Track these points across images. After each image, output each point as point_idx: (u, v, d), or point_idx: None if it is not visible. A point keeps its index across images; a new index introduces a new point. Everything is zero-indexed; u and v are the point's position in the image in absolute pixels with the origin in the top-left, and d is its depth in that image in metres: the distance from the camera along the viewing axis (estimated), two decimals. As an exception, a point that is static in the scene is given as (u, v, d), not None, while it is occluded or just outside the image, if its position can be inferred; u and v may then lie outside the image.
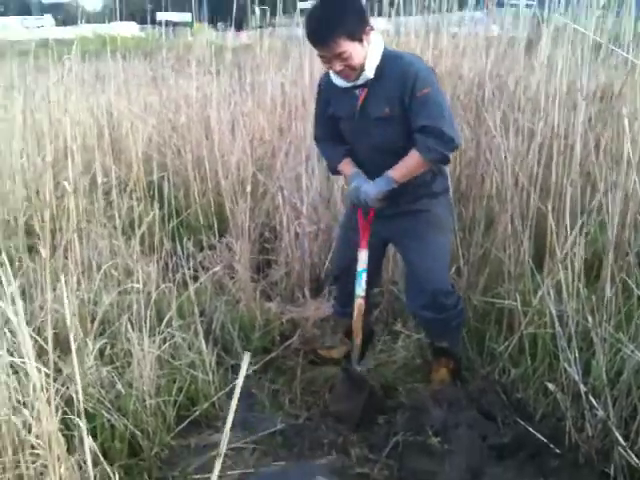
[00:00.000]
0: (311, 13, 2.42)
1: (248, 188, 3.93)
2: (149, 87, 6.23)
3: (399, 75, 2.40)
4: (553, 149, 2.82)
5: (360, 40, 2.36)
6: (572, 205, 2.55)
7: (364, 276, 2.61)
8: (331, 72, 2.49)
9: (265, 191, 4.20)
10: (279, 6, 5.31)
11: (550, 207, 2.53)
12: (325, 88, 2.64)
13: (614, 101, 2.46)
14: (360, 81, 2.44)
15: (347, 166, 2.64)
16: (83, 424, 1.78)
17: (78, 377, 1.81)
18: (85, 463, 2.06)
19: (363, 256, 2.60)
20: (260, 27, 6.26)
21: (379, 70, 2.43)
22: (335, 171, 2.77)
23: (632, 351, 2.10)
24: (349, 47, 2.34)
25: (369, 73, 2.42)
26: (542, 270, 2.71)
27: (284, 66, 5.44)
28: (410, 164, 2.46)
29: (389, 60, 2.44)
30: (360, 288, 2.62)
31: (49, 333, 1.92)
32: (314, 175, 3.76)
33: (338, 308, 2.99)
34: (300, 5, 7.35)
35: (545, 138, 2.92)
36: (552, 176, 2.83)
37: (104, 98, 5.92)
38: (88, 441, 1.80)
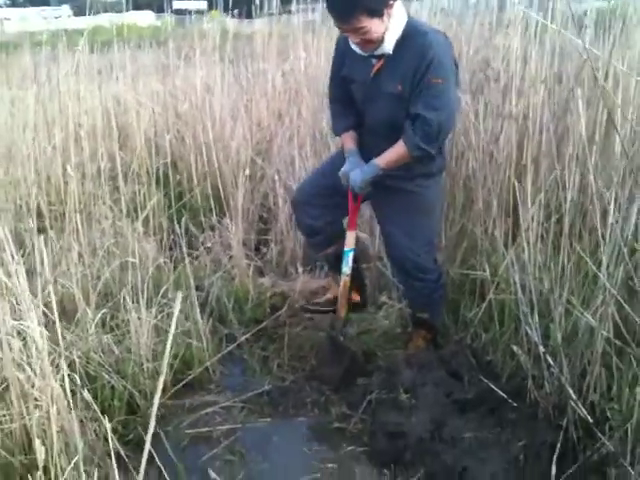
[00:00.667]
0: None
1: (247, 172, 4.15)
2: (157, 76, 6.44)
3: (417, 54, 2.33)
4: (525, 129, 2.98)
5: (381, 15, 2.29)
6: (538, 182, 2.73)
7: (351, 255, 2.72)
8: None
9: (263, 175, 4.40)
10: None
11: (517, 184, 2.69)
12: (342, 48, 2.57)
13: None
14: (377, 52, 2.41)
15: (348, 140, 2.66)
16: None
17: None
18: (86, 418, 2.33)
19: (351, 237, 2.71)
20: (271, 14, 6.38)
21: (398, 45, 2.38)
22: (338, 133, 2.77)
23: (582, 313, 2.27)
24: (368, 23, 2.28)
25: (388, 47, 2.38)
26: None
27: (285, 54, 5.63)
28: (397, 154, 2.48)
29: (411, 35, 2.37)
30: (347, 267, 2.74)
31: (52, 300, 2.10)
32: (307, 159, 3.96)
33: (308, 240, 3.07)
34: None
35: (519, 119, 3.08)
36: (524, 155, 2.99)
37: (113, 87, 6.13)
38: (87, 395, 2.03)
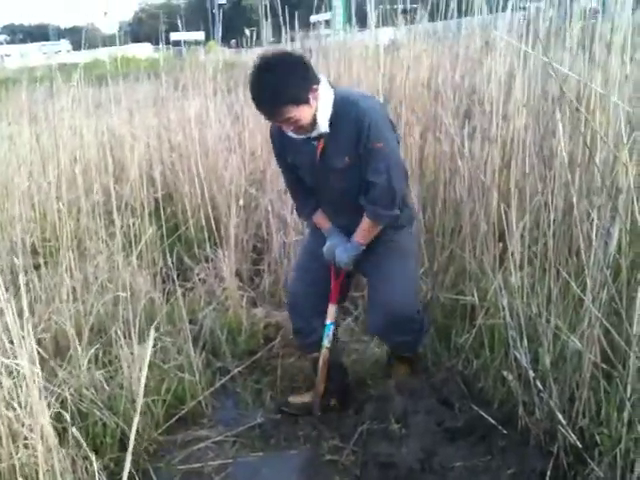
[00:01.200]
0: (253, 82, 2.27)
1: (240, 202, 4.19)
2: (153, 109, 6.52)
3: (353, 125, 2.35)
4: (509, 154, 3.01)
5: (307, 102, 2.29)
6: (523, 205, 2.74)
7: (332, 329, 2.71)
8: None
9: (257, 205, 4.43)
10: (297, 21, 5.46)
11: (504, 208, 2.71)
12: (279, 139, 2.54)
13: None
14: (314, 134, 2.40)
15: (322, 220, 2.69)
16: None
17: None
18: (77, 456, 2.33)
19: (332, 310, 2.70)
20: (271, 42, 6.47)
21: (333, 121, 2.38)
22: (305, 218, 2.86)
23: (568, 337, 2.27)
24: (295, 112, 2.27)
25: (323, 127, 2.37)
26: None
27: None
28: (368, 229, 2.55)
29: (342, 108, 2.37)
30: (327, 340, 2.71)
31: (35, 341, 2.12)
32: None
33: (302, 341, 2.87)
34: (312, 18, 7.59)
35: (504, 143, 3.11)
36: (511, 178, 3.02)
37: (109, 121, 6.20)
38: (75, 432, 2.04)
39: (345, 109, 2.37)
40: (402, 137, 3.50)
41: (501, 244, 2.97)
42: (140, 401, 1.74)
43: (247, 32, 5.44)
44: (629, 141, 2.11)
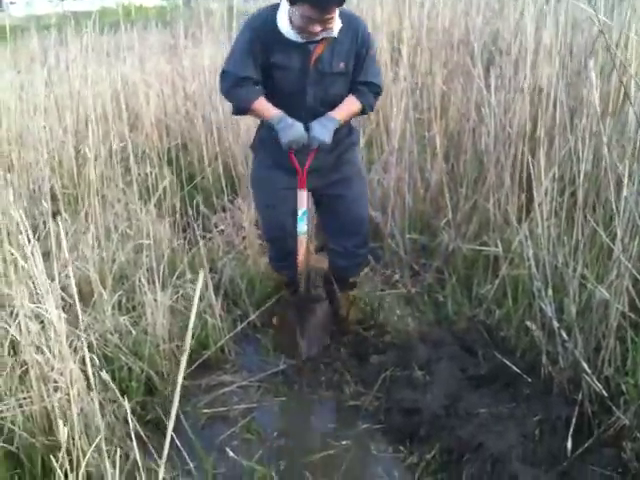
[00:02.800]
0: None
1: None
2: (164, 56, 6.42)
3: (353, 33, 2.54)
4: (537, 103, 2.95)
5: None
6: (552, 155, 2.70)
7: (307, 215, 2.76)
8: (283, 24, 2.47)
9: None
10: None
11: (530, 159, 2.67)
12: (264, 35, 2.50)
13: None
14: (324, 36, 2.48)
15: (267, 105, 2.59)
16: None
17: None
18: (105, 400, 2.37)
19: (304, 196, 2.71)
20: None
21: (339, 28, 2.51)
22: (245, 110, 2.65)
23: (596, 287, 2.26)
24: (336, 12, 2.42)
25: (334, 32, 2.49)
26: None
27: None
28: (351, 110, 2.64)
29: (346, 17, 2.54)
30: (305, 226, 2.75)
31: (61, 285, 2.12)
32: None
33: (276, 263, 3.04)
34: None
35: (532, 92, 3.04)
36: (538, 129, 2.97)
37: (122, 69, 6.12)
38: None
39: (348, 19, 2.55)
40: (425, 84, 3.46)
41: (526, 195, 2.95)
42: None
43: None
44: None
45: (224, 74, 2.60)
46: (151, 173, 3.94)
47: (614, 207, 2.24)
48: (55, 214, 3.73)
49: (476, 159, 3.24)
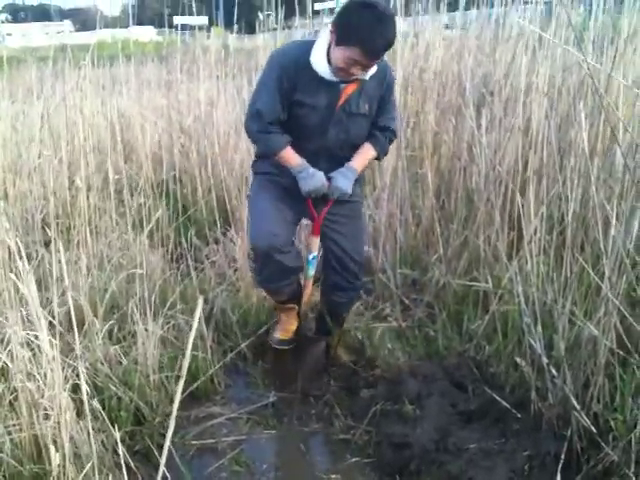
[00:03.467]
0: (381, 31, 2.30)
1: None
2: (161, 90, 6.51)
3: (381, 76, 2.56)
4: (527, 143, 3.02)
5: None
6: (540, 194, 2.76)
7: (316, 261, 2.81)
8: (319, 61, 2.45)
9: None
10: (297, 8, 5.46)
11: (519, 198, 2.73)
12: (294, 73, 2.48)
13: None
14: (360, 77, 2.47)
15: (292, 154, 2.61)
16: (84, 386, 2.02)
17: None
18: (94, 429, 2.35)
19: (315, 242, 2.77)
20: (274, 29, 6.45)
21: None
22: (269, 155, 2.67)
23: (584, 324, 2.29)
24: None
25: (370, 74, 2.49)
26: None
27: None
28: (368, 158, 2.70)
29: None
30: (313, 270, 2.82)
31: (56, 312, 2.13)
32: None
33: (271, 285, 2.88)
34: (317, 6, 7.55)
35: (521, 133, 3.12)
36: (528, 169, 3.04)
37: (118, 102, 6.19)
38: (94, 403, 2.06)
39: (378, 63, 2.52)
40: (417, 123, 3.53)
41: (515, 232, 3.00)
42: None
43: (261, 16, 5.42)
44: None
45: (256, 114, 2.55)
46: (145, 204, 3.97)
47: (602, 246, 2.29)
48: (48, 243, 3.75)
49: (467, 197, 3.30)
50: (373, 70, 2.49)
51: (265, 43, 6.44)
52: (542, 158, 2.91)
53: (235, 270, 3.69)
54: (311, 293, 2.91)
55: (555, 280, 2.49)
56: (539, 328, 2.42)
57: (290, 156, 2.61)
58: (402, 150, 3.45)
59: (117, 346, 2.79)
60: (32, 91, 5.60)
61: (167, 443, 1.42)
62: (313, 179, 2.58)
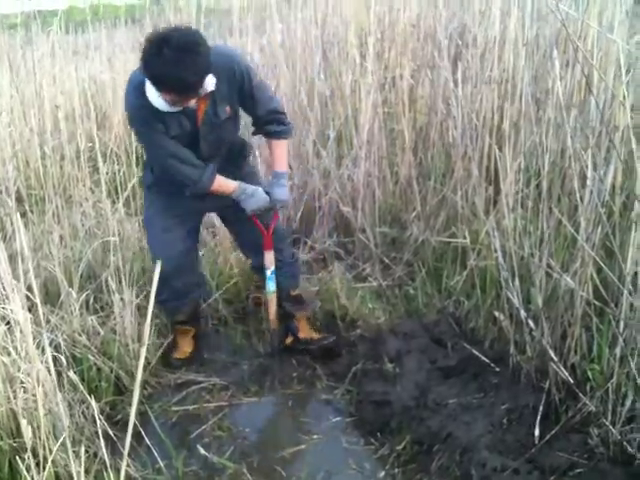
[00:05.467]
0: (184, 68, 2.10)
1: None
2: (134, 54, 6.36)
3: (229, 73, 2.37)
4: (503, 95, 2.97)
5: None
6: (518, 147, 2.72)
7: (274, 276, 2.75)
8: (157, 101, 2.28)
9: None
10: None
11: (497, 151, 2.69)
12: (151, 114, 2.33)
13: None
14: (201, 93, 2.32)
15: (225, 180, 2.56)
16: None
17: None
18: (73, 400, 2.34)
19: (271, 257, 2.72)
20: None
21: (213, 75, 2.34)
22: (210, 183, 2.52)
23: (561, 276, 2.29)
24: (204, 80, 2.26)
25: (210, 86, 2.32)
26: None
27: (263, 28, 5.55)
28: (285, 151, 2.66)
29: (217, 61, 2.28)
30: (274, 286, 2.76)
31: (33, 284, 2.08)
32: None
33: (171, 303, 2.81)
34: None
35: (497, 84, 3.07)
36: (505, 121, 2.99)
37: (90, 68, 6.05)
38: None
39: (220, 62, 2.31)
40: (393, 79, 3.47)
41: (493, 187, 2.97)
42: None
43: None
44: (627, 79, 2.09)
45: (168, 164, 2.46)
46: (119, 171, 3.90)
47: (578, 197, 2.27)
48: (22, 215, 3.68)
49: (444, 152, 3.26)
50: (211, 81, 2.31)
51: (242, 3, 6.29)
52: (519, 110, 2.86)
53: (214, 235, 3.65)
54: (276, 310, 2.81)
55: (532, 233, 2.48)
56: (517, 282, 2.41)
57: (222, 184, 2.56)
58: (378, 107, 3.39)
59: (94, 316, 2.77)
60: (1, 59, 5.47)
61: (134, 408, 1.40)
62: (254, 198, 2.58)
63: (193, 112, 2.39)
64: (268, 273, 2.73)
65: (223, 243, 3.52)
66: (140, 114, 2.36)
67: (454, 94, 3.05)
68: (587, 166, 2.25)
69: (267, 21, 5.37)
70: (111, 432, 2.18)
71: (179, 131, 2.40)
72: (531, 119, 2.67)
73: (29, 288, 2.73)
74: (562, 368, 2.23)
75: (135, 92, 2.32)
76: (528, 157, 2.68)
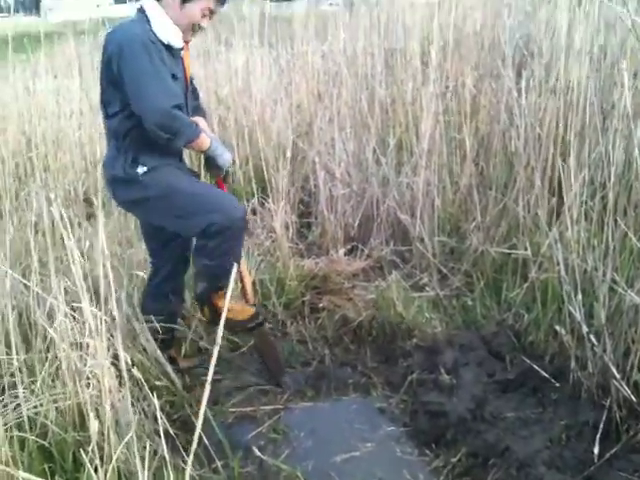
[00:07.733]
0: None
1: (288, 154, 4.17)
2: (198, 60, 6.50)
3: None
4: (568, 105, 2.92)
5: None
6: (582, 158, 2.67)
7: None
8: (164, 31, 2.28)
9: (304, 157, 4.41)
10: None
11: (560, 162, 2.65)
12: (154, 46, 2.24)
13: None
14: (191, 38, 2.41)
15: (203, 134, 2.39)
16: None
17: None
18: (134, 397, 2.41)
19: None
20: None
21: None
22: (196, 135, 2.33)
23: (626, 291, 2.23)
24: None
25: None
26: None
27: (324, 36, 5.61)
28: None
29: None
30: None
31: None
32: (347, 140, 3.95)
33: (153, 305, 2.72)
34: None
35: (562, 94, 3.02)
36: (569, 131, 2.94)
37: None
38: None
39: None
40: (455, 87, 3.45)
41: (556, 198, 2.92)
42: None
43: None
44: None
45: (160, 107, 2.18)
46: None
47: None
48: (89, 217, 3.83)
49: (506, 162, 3.22)
50: None
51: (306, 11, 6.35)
52: (584, 120, 2.80)
53: (273, 241, 3.70)
54: (247, 278, 2.69)
55: (596, 247, 2.43)
56: (579, 296, 2.37)
57: (204, 135, 2.37)
58: (440, 115, 3.38)
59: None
60: (72, 65, 5.68)
61: (202, 408, 1.44)
62: (228, 154, 2.45)
63: (180, 59, 2.39)
64: None
65: (282, 248, 3.57)
66: (142, 39, 2.22)
67: (517, 103, 3.02)
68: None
69: (329, 28, 5.44)
70: (171, 430, 2.23)
71: (177, 72, 2.35)
72: (597, 129, 2.62)
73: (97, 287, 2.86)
74: (624, 385, 2.18)
75: (138, 28, 2.27)
76: (593, 168, 2.63)
